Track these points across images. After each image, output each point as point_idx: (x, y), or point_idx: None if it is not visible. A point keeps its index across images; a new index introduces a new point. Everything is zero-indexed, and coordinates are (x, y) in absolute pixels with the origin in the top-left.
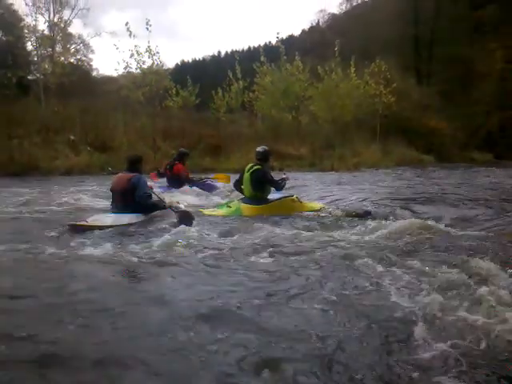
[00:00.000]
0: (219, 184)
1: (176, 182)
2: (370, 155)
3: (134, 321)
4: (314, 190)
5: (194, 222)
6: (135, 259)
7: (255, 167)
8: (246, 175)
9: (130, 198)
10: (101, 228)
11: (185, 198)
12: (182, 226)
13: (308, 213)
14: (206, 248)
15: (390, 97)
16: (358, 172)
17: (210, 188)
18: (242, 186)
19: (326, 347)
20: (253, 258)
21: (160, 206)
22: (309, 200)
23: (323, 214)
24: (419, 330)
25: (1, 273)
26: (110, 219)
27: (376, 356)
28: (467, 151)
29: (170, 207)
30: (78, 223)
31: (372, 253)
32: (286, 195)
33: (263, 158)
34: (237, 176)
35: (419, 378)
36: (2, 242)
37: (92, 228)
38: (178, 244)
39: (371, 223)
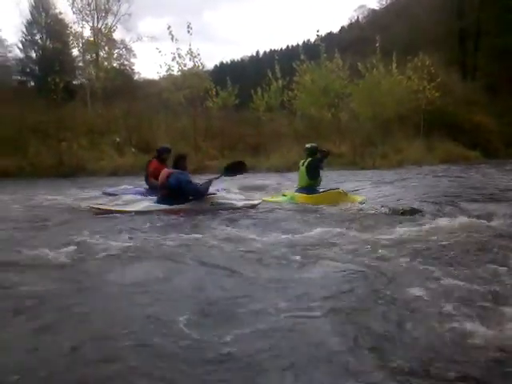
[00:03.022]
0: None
1: (154, 184)
2: (413, 152)
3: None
4: (357, 187)
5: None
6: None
7: (309, 159)
8: (302, 168)
9: (166, 192)
10: (122, 212)
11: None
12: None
13: (355, 210)
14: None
15: (434, 92)
16: (401, 169)
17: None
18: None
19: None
20: (295, 253)
21: (201, 192)
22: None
23: (371, 212)
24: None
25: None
26: (133, 205)
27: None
28: None
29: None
30: (99, 207)
31: (422, 252)
32: (334, 188)
33: (311, 153)
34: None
35: None
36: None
37: (112, 212)
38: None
39: (420, 221)
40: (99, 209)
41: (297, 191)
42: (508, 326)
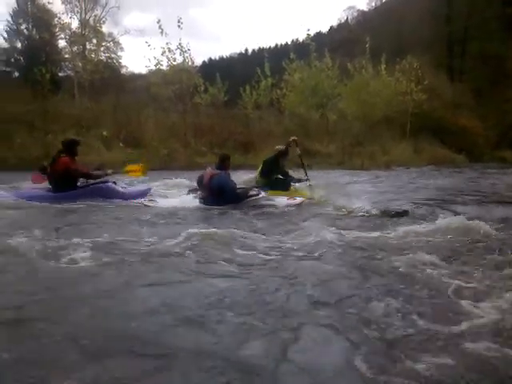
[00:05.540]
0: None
1: (62, 183)
2: (400, 153)
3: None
4: (346, 188)
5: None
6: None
7: (267, 158)
8: (260, 166)
9: (209, 192)
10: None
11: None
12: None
13: (343, 211)
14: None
15: (421, 94)
16: (389, 170)
17: (108, 193)
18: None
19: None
20: (284, 259)
21: (242, 197)
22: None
23: (359, 214)
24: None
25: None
26: (176, 202)
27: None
28: (498, 150)
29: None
30: (148, 203)
31: (412, 254)
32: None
33: (277, 154)
34: None
35: None
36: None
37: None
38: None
39: (410, 223)
40: (146, 205)
41: None
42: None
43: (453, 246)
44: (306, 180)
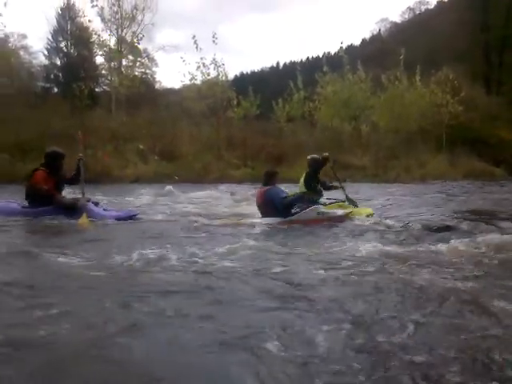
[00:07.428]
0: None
1: (37, 198)
2: (436, 166)
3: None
4: (383, 202)
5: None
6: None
7: (305, 171)
8: (300, 180)
9: (268, 209)
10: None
11: None
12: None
13: (384, 226)
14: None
15: (457, 106)
16: (425, 184)
17: (86, 213)
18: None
19: None
20: (325, 274)
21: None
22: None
23: (402, 228)
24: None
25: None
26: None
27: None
28: None
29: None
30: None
31: (462, 272)
32: (339, 200)
33: (308, 165)
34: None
35: None
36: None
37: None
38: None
39: (456, 239)
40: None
41: None
42: None
43: (496, 262)
44: (341, 187)
